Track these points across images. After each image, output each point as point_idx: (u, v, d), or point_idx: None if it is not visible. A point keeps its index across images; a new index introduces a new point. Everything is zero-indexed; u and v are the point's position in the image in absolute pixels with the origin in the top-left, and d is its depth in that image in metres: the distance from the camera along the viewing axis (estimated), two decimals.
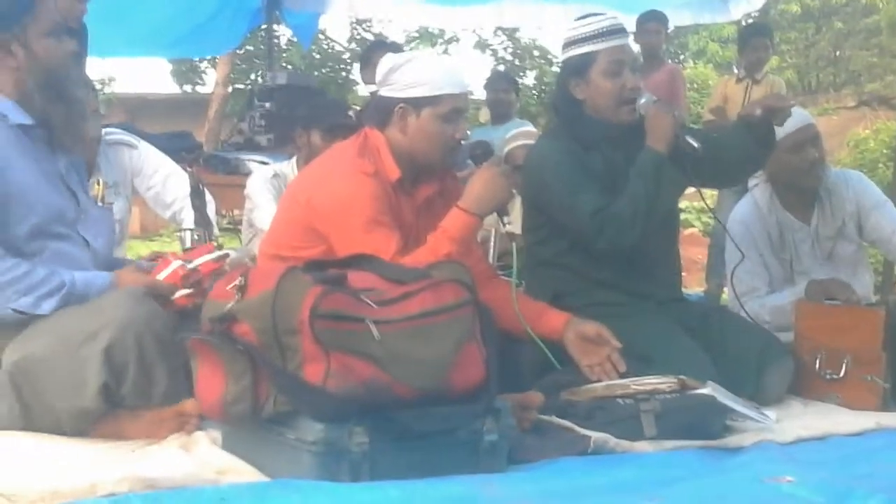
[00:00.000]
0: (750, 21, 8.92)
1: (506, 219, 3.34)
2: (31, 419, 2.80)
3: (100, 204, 3.19)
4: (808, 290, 3.87)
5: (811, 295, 3.83)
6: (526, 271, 3.81)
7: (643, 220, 3.55)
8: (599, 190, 3.60)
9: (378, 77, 3.34)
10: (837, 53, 22.24)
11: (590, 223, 3.55)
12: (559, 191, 3.64)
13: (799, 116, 4.12)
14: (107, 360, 2.67)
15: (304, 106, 5.47)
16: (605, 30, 3.64)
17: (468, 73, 3.42)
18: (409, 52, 3.42)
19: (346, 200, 3.18)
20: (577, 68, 3.68)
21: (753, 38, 7.35)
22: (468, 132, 3.49)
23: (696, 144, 3.53)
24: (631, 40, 4.21)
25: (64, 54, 3.02)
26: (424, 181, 3.38)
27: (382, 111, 3.32)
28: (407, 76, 3.26)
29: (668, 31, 7.38)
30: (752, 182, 4.37)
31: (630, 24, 7.79)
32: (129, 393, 2.73)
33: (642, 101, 3.63)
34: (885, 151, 11.54)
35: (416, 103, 3.25)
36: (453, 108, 3.27)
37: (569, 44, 3.71)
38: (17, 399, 2.79)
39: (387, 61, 3.32)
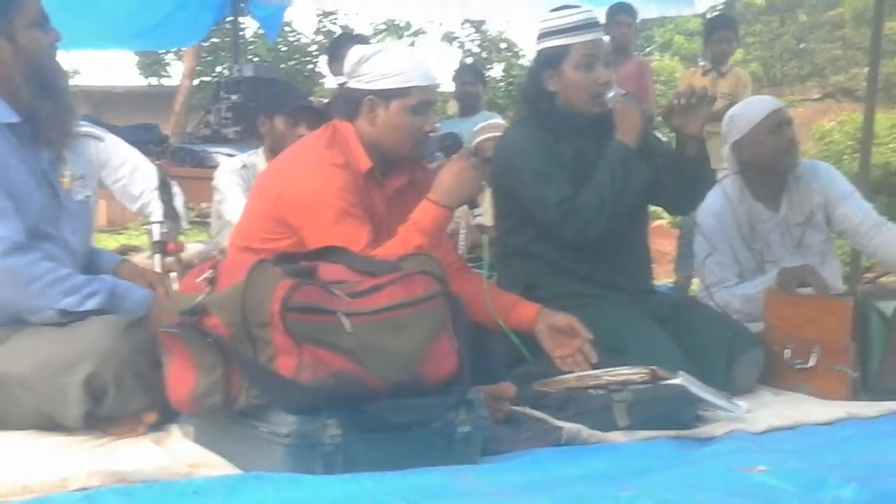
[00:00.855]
0: (715, 14, 8.92)
1: (476, 211, 3.34)
2: (5, 428, 2.76)
3: (77, 198, 3.15)
4: (779, 277, 3.89)
5: (783, 282, 3.85)
6: (496, 261, 3.81)
7: (609, 212, 3.56)
8: (567, 180, 3.61)
9: (346, 68, 3.32)
10: (802, 46, 22.37)
11: (555, 212, 3.56)
12: (527, 178, 3.64)
13: (768, 101, 4.20)
14: (86, 391, 2.64)
15: (264, 93, 5.44)
16: (580, 23, 3.65)
17: (436, 66, 3.42)
18: (378, 44, 3.41)
19: (316, 192, 3.16)
20: (551, 60, 3.68)
21: (718, 31, 7.39)
22: (437, 125, 3.47)
23: (664, 139, 3.55)
24: None
25: (49, 45, 2.97)
26: (395, 172, 3.37)
27: (351, 103, 3.31)
28: (376, 68, 3.25)
29: (636, 22, 7.40)
30: (720, 174, 4.40)
31: (600, 17, 7.81)
32: (107, 410, 2.70)
33: (611, 94, 3.64)
34: (849, 143, 11.62)
35: (385, 95, 3.24)
36: (422, 100, 3.26)
37: (543, 35, 3.71)
38: None
39: (355, 53, 3.30)
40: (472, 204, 3.32)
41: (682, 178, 3.74)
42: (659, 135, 3.58)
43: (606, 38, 3.85)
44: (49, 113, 2.93)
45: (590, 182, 3.59)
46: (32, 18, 2.92)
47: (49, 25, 2.98)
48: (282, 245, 3.13)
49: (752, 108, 4.24)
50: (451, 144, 3.33)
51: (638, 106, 3.62)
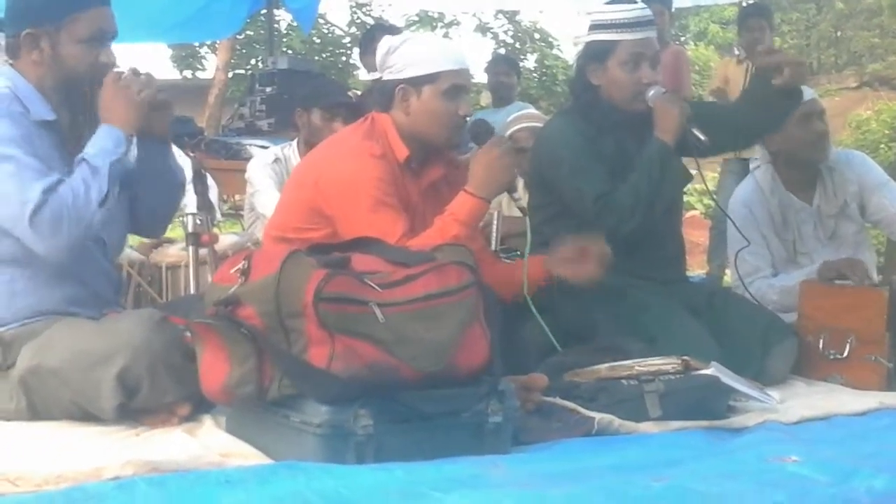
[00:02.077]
0: (750, 1, 8.87)
1: (515, 195, 3.34)
2: (38, 417, 2.81)
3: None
4: (821, 270, 3.86)
5: (824, 276, 3.82)
6: (533, 250, 3.81)
7: (644, 210, 3.56)
8: (606, 174, 3.61)
9: (377, 61, 3.34)
10: (839, 34, 22.21)
11: (591, 207, 3.56)
12: (566, 171, 3.64)
13: (805, 90, 4.13)
14: (120, 384, 2.67)
15: (303, 87, 5.46)
16: (631, 20, 3.63)
17: (469, 57, 3.41)
18: (405, 34, 3.41)
19: (353, 181, 3.18)
20: (597, 54, 3.67)
21: (751, 19, 7.34)
22: (471, 110, 3.46)
23: (702, 137, 3.53)
24: None
25: (92, 64, 2.97)
26: (431, 164, 3.38)
27: (385, 94, 3.32)
28: (404, 57, 3.26)
29: (672, 11, 7.36)
30: (753, 164, 4.38)
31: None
32: (140, 403, 2.73)
33: (651, 92, 3.62)
34: (886, 132, 11.54)
35: (416, 82, 3.25)
36: (453, 84, 3.26)
37: (594, 27, 3.69)
38: (27, 402, 2.81)
39: (383, 45, 3.32)
40: (511, 189, 3.32)
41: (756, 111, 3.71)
42: (697, 132, 3.53)
43: None
44: (67, 123, 2.97)
45: (627, 179, 3.59)
46: (85, 35, 2.94)
47: (105, 45, 3.00)
48: (316, 235, 3.14)
49: None
50: (483, 132, 3.31)
51: (678, 104, 3.59)
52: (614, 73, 3.65)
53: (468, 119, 3.37)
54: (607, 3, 3.73)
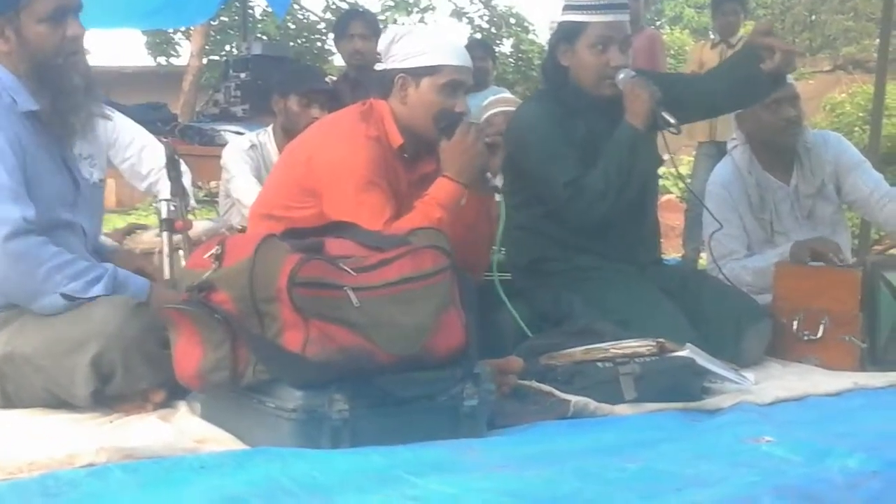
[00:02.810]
0: None
1: (489, 174, 3.33)
2: (12, 405, 2.79)
3: (93, 182, 3.14)
4: (792, 250, 3.88)
5: (796, 255, 3.84)
6: (505, 235, 3.81)
7: (615, 196, 3.56)
8: (577, 159, 3.61)
9: (380, 49, 3.35)
10: (813, 18, 22.25)
11: (561, 193, 3.57)
12: (535, 156, 3.64)
13: None
14: (94, 371, 2.66)
15: (279, 72, 5.42)
16: (602, 3, 3.61)
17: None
18: (412, 25, 3.41)
19: (345, 160, 3.18)
20: (567, 35, 3.67)
21: (725, 4, 7.37)
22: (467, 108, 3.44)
23: (672, 121, 3.53)
24: None
25: (59, 41, 2.90)
26: (424, 158, 3.38)
27: (385, 82, 3.33)
28: (407, 47, 3.27)
29: None
30: (730, 144, 4.39)
31: None
32: (114, 389, 2.71)
33: (621, 76, 3.61)
34: (860, 115, 11.57)
35: (416, 73, 3.26)
36: (453, 79, 3.27)
37: (566, 7, 3.69)
38: (0, 390, 2.79)
39: (388, 34, 3.35)
40: (486, 169, 3.32)
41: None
42: (667, 116, 3.53)
43: None
44: (48, 108, 2.90)
45: (597, 164, 3.58)
46: (43, 13, 2.87)
47: (67, 20, 2.91)
48: (303, 214, 3.15)
49: None
50: (447, 125, 3.29)
51: (647, 87, 3.59)
52: (582, 54, 3.65)
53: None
54: None
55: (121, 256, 3.23)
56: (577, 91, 3.69)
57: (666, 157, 3.86)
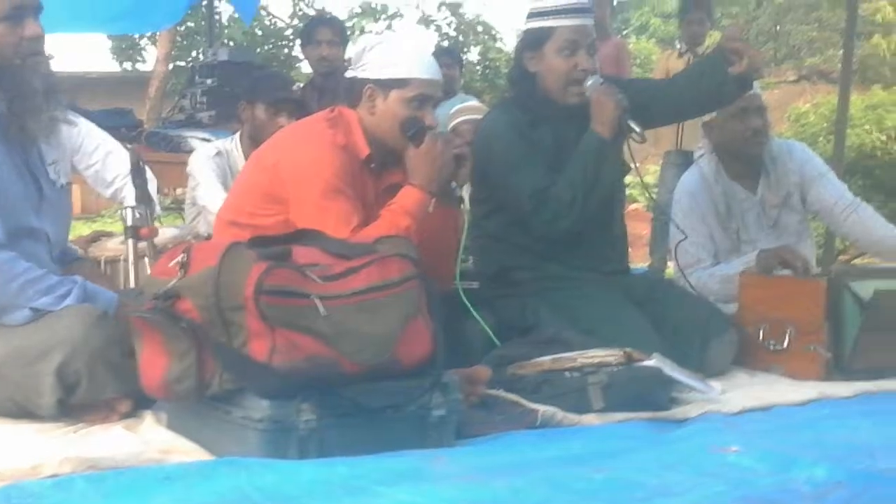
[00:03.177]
0: None
1: (454, 184, 3.33)
2: None
3: (59, 185, 3.09)
4: (758, 258, 3.90)
5: (762, 263, 3.86)
6: (472, 243, 3.82)
7: (581, 205, 3.56)
8: (543, 169, 3.61)
9: (352, 58, 3.36)
10: (778, 28, 22.42)
11: (527, 203, 3.57)
12: (502, 165, 3.64)
13: None
14: (59, 380, 2.63)
15: (246, 78, 5.39)
16: (567, 7, 3.62)
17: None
18: (385, 34, 3.42)
19: (312, 166, 3.18)
20: (534, 41, 3.67)
21: (690, 13, 7.42)
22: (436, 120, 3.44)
23: (638, 129, 3.54)
24: None
25: (16, 42, 2.84)
26: (392, 168, 3.37)
27: (353, 91, 3.32)
28: (378, 57, 3.28)
29: (613, 4, 7.39)
30: (697, 153, 4.41)
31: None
32: (79, 399, 2.69)
33: (589, 82, 3.62)
34: (824, 125, 11.63)
35: (385, 84, 3.26)
36: (421, 93, 3.27)
37: (531, 15, 3.69)
38: None
39: (360, 42, 3.37)
40: (450, 178, 3.33)
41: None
42: (633, 125, 3.54)
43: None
44: (5, 111, 2.85)
45: (563, 173, 3.59)
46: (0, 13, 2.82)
47: (25, 20, 2.85)
48: (268, 222, 3.15)
49: None
50: (416, 133, 3.29)
51: (613, 95, 3.60)
52: (550, 59, 3.65)
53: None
54: None
55: (86, 269, 3.19)
56: (544, 99, 3.70)
57: (632, 165, 3.87)
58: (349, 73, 3.37)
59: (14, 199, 2.84)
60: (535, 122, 3.68)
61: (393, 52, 3.28)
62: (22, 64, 2.86)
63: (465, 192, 4.26)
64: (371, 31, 17.77)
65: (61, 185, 3.10)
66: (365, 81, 3.29)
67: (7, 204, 2.81)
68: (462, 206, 3.42)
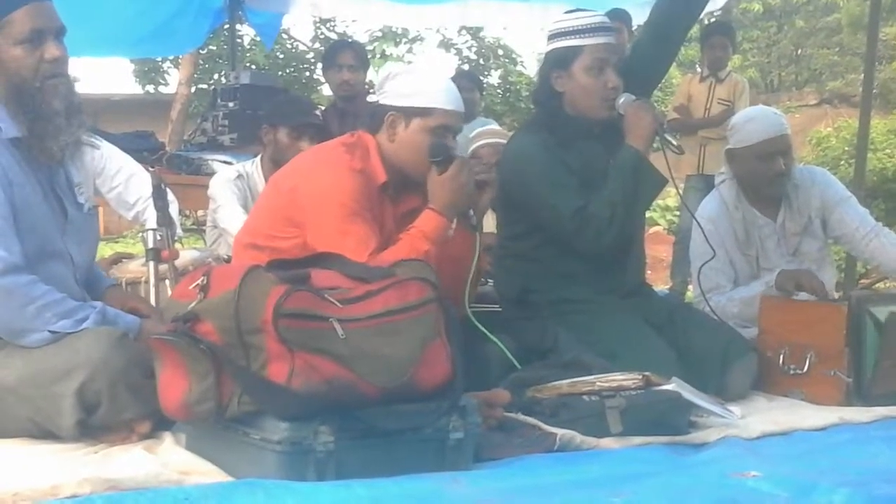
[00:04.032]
0: (712, 20, 8.96)
1: (470, 212, 3.34)
2: None
3: (86, 210, 3.11)
4: (778, 279, 3.89)
5: (781, 284, 3.85)
6: (496, 265, 3.82)
7: (621, 220, 3.57)
8: (578, 187, 3.60)
9: (377, 84, 3.37)
10: (799, 52, 22.43)
11: (569, 224, 3.57)
12: (537, 188, 3.64)
13: (771, 125, 4.12)
14: (79, 401, 2.64)
15: (270, 102, 5.42)
16: (593, 25, 3.62)
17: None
18: (412, 64, 3.43)
19: (329, 191, 3.18)
20: (561, 60, 3.66)
21: (713, 37, 7.43)
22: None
23: (675, 143, 3.55)
24: None
25: (36, 64, 2.86)
26: (410, 192, 3.38)
27: (375, 117, 3.34)
28: (402, 85, 3.29)
29: (633, 29, 7.40)
30: (718, 178, 4.39)
31: None
32: (99, 420, 2.70)
33: (621, 100, 3.62)
34: (846, 149, 11.59)
35: (407, 112, 3.28)
36: (443, 123, 3.29)
37: (554, 35, 3.69)
38: None
39: (385, 69, 3.38)
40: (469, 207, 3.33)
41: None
42: (670, 138, 3.55)
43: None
44: (27, 132, 2.86)
45: (601, 190, 3.59)
46: (20, 35, 2.84)
47: (45, 42, 2.87)
48: (287, 244, 3.15)
49: (751, 127, 4.16)
50: (443, 159, 3.30)
51: (650, 110, 3.60)
52: (580, 78, 3.64)
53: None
54: (566, 12, 3.73)
55: (116, 295, 3.20)
56: (571, 118, 3.69)
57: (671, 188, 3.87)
58: (371, 97, 3.38)
59: (38, 221, 2.86)
60: (563, 142, 3.67)
61: (418, 82, 3.29)
62: (41, 86, 2.88)
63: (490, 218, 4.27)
64: (392, 55, 17.83)
65: (88, 208, 3.12)
66: (387, 108, 3.30)
67: (31, 226, 2.83)
68: (477, 232, 3.41)
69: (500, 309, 3.86)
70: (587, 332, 3.49)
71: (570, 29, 3.64)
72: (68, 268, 2.97)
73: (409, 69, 3.37)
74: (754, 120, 4.19)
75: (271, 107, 5.15)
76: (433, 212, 3.22)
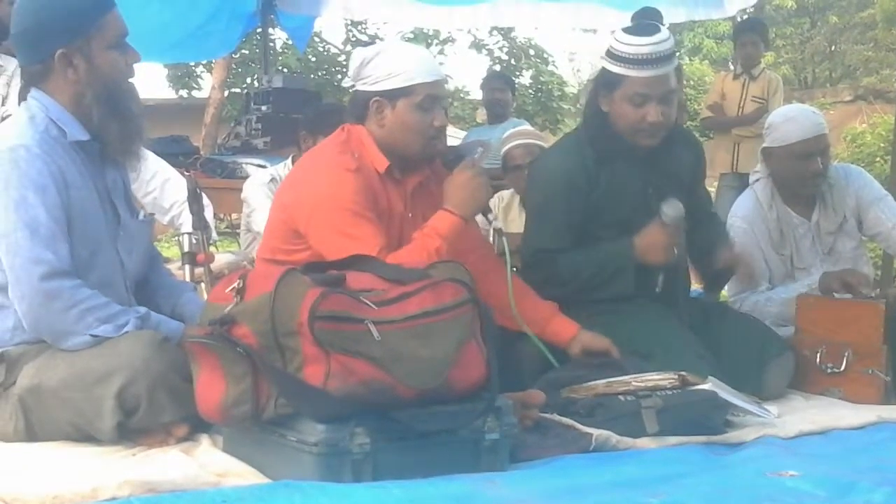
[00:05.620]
0: (744, 17, 8.91)
1: (490, 216, 3.33)
2: (36, 438, 2.79)
3: (141, 216, 3.14)
4: (822, 280, 3.87)
5: (825, 285, 3.83)
6: (526, 263, 3.83)
7: (574, 289, 3.62)
8: (567, 229, 3.65)
9: (351, 73, 3.33)
10: (833, 48, 22.26)
11: (529, 256, 3.67)
12: (536, 207, 3.74)
13: (809, 124, 4.09)
14: (119, 404, 2.66)
15: (309, 108, 5.43)
16: (640, 57, 3.50)
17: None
18: (380, 45, 3.38)
19: (328, 197, 3.17)
20: (606, 83, 3.62)
21: (744, 34, 7.40)
22: (446, 121, 3.44)
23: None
24: None
25: (127, 66, 2.96)
26: (413, 170, 3.37)
27: (359, 106, 3.31)
28: (378, 69, 3.24)
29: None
30: (753, 177, 4.37)
31: (626, 21, 7.79)
32: (138, 423, 2.71)
33: (670, 213, 3.56)
34: (882, 145, 11.52)
35: (391, 95, 3.24)
36: (428, 95, 3.25)
37: (607, 54, 3.61)
38: (25, 423, 2.79)
39: (357, 56, 3.31)
40: (486, 210, 3.32)
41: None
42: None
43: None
44: (117, 134, 2.92)
45: (581, 252, 3.63)
46: (112, 40, 2.91)
47: (128, 46, 2.97)
48: (301, 257, 3.13)
49: (790, 126, 4.12)
50: (454, 158, 3.30)
51: (673, 241, 3.59)
52: (619, 105, 3.58)
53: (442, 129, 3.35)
54: (626, 30, 3.64)
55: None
56: (614, 137, 3.64)
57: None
58: (348, 83, 3.35)
59: (92, 226, 2.89)
60: (602, 159, 3.66)
61: (393, 62, 3.24)
62: (129, 88, 2.97)
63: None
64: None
65: (143, 215, 3.15)
66: (369, 95, 3.26)
67: (84, 230, 2.85)
68: (492, 225, 3.40)
69: None
70: (623, 331, 3.48)
71: (619, 54, 3.54)
72: (118, 274, 2.99)
73: (380, 51, 3.29)
74: (793, 119, 4.15)
75: (312, 114, 5.17)
76: (447, 212, 3.21)
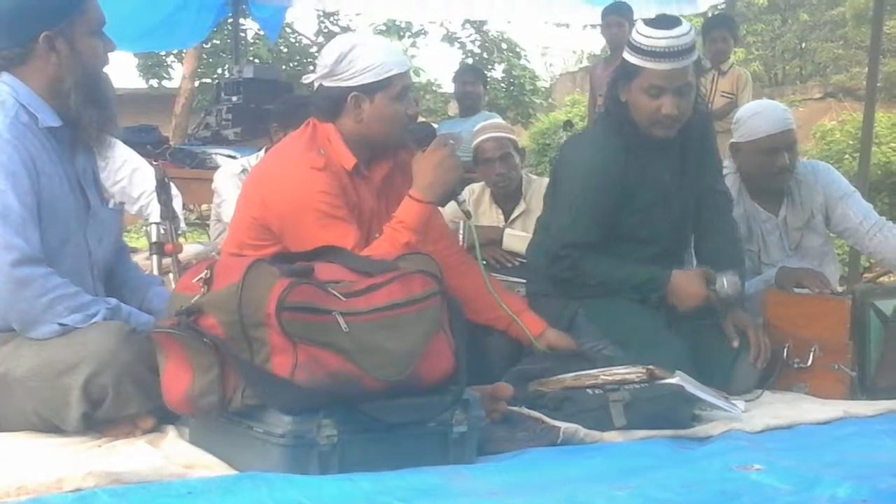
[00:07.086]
0: (715, 13, 8.94)
1: (460, 198, 3.32)
2: (1, 429, 2.76)
3: (111, 204, 3.12)
4: (778, 276, 3.89)
5: (781, 281, 3.85)
6: (533, 239, 3.83)
7: (590, 287, 3.65)
8: (597, 223, 3.65)
9: (322, 69, 3.27)
10: (803, 45, 22.37)
11: (557, 248, 3.65)
12: (568, 199, 3.70)
13: (776, 119, 4.10)
14: (85, 394, 2.64)
15: (281, 101, 5.41)
16: (658, 50, 3.50)
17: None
18: (349, 38, 3.32)
19: (299, 198, 3.14)
20: (625, 74, 3.63)
21: (714, 30, 7.44)
22: (420, 118, 3.46)
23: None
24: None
25: (104, 54, 2.96)
26: (378, 161, 3.36)
27: (333, 102, 3.26)
28: (355, 64, 3.21)
29: (634, 23, 7.40)
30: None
31: (597, 17, 7.82)
32: (104, 413, 2.69)
33: (728, 290, 3.59)
34: (850, 142, 11.59)
35: (369, 89, 3.21)
36: (403, 86, 3.26)
37: (629, 46, 3.62)
38: None
39: (330, 52, 3.25)
40: (456, 194, 3.30)
41: None
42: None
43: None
44: (92, 121, 2.91)
45: (611, 259, 3.64)
46: (93, 26, 2.92)
47: (105, 35, 2.97)
48: (269, 252, 3.10)
49: (757, 121, 4.14)
50: (425, 136, 3.29)
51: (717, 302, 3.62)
52: (636, 96, 3.59)
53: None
54: (646, 23, 3.63)
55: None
56: (634, 126, 3.66)
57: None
58: (318, 82, 3.31)
59: (62, 213, 2.87)
60: (630, 147, 3.66)
61: (369, 56, 3.21)
62: (104, 76, 2.97)
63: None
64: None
65: (113, 204, 3.13)
66: (346, 90, 3.22)
67: (54, 217, 2.83)
68: (470, 219, 3.41)
69: (524, 282, 3.96)
70: (604, 316, 3.51)
71: (638, 46, 3.55)
72: (86, 262, 2.97)
73: (351, 45, 3.22)
74: (760, 114, 4.17)
75: (283, 107, 5.13)
76: (413, 200, 3.18)
